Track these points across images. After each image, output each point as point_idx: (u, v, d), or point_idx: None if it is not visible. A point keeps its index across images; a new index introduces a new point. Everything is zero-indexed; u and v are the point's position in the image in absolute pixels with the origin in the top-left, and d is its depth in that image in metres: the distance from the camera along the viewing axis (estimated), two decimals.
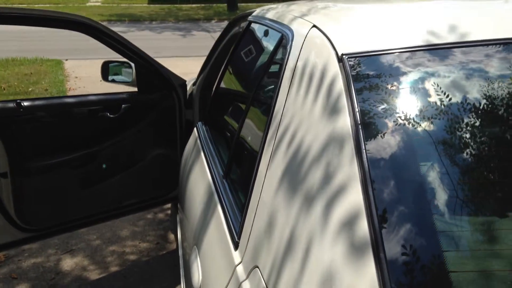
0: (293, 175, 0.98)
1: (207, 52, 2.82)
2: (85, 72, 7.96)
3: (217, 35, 2.71)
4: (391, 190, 0.81)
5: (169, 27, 14.64)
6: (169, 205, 3.51)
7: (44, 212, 2.38)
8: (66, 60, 9.03)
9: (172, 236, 3.22)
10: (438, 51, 1.02)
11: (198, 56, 3.12)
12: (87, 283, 2.72)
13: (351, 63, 1.00)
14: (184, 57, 8.99)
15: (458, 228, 0.78)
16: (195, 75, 2.96)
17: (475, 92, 0.94)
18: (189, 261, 1.43)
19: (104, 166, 2.47)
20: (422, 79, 0.97)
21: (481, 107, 0.92)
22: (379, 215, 0.76)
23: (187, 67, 5.73)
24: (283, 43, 1.34)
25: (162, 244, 3.14)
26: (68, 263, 2.90)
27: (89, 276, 2.79)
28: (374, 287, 0.70)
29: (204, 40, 11.41)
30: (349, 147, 0.85)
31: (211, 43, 2.80)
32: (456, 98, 0.93)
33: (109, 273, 2.82)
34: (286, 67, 1.22)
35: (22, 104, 2.19)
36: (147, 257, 3.00)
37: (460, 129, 0.89)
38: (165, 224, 3.39)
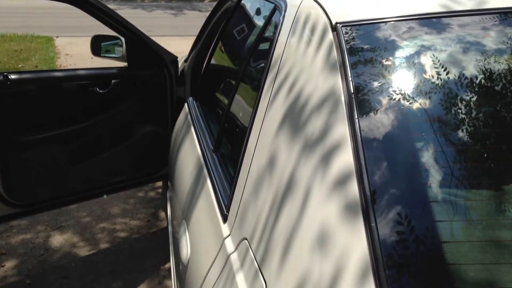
0: (281, 149, 0.96)
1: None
2: (76, 49, 7.84)
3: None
4: (382, 156, 0.79)
5: (161, 5, 14.43)
6: (160, 183, 3.49)
7: (33, 188, 2.35)
8: (57, 37, 8.89)
9: (163, 214, 3.21)
10: (438, 20, 0.99)
11: (191, 36, 3.06)
12: (76, 260, 2.71)
13: (346, 31, 0.98)
14: (177, 36, 8.88)
15: (449, 192, 0.77)
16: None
17: (474, 64, 0.92)
18: (178, 236, 1.42)
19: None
20: (420, 50, 0.95)
21: (482, 79, 0.90)
22: (370, 177, 0.75)
23: (180, 46, 5.66)
24: (276, 14, 1.31)
25: (152, 221, 3.13)
26: (57, 239, 2.89)
27: (79, 252, 2.77)
28: (364, 250, 0.68)
29: (196, 19, 11.26)
30: (343, 125, 0.83)
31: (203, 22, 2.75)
32: (454, 72, 0.91)
33: (99, 250, 2.81)
34: (279, 38, 1.19)
35: (9, 77, 2.15)
36: (137, 234, 2.99)
37: (455, 101, 0.87)
38: (156, 202, 3.38)
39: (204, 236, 1.18)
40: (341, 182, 0.78)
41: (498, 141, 0.84)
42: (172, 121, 2.56)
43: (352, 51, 0.95)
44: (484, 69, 0.92)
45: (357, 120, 0.82)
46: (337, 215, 0.74)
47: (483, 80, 0.90)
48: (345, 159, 0.79)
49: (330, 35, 0.99)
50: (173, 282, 1.67)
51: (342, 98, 0.86)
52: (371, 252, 0.68)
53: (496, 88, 0.90)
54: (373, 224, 0.70)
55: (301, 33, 1.10)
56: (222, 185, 1.24)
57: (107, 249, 2.82)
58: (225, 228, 1.09)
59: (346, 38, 0.96)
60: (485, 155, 0.83)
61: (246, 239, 0.96)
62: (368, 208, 0.72)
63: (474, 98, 0.88)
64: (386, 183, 0.76)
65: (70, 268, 2.63)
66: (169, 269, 2.67)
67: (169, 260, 2.72)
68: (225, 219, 1.11)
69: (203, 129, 1.68)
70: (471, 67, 0.91)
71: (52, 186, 2.40)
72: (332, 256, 0.71)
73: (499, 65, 0.92)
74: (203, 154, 1.50)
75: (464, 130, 0.84)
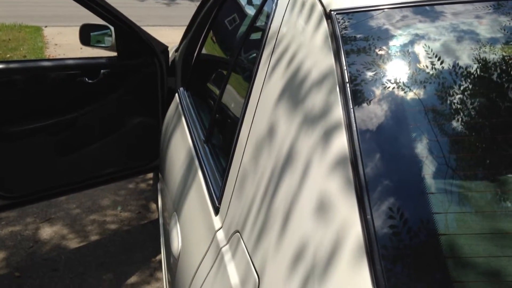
0: (273, 139, 0.94)
1: None
2: (65, 39, 7.74)
3: None
4: (379, 144, 0.78)
5: None
6: (151, 175, 3.46)
7: (21, 179, 2.31)
8: (45, 27, 8.76)
9: (154, 206, 3.18)
10: (435, 7, 0.97)
11: (183, 26, 3.01)
12: (66, 252, 2.68)
13: (340, 19, 0.96)
14: (168, 26, 8.80)
15: (442, 167, 0.77)
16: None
17: (473, 51, 0.90)
18: (169, 228, 1.40)
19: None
20: (416, 38, 0.93)
21: (481, 68, 0.88)
22: (364, 164, 0.74)
23: (172, 36, 5.60)
24: (268, 1, 1.28)
25: (143, 213, 3.11)
26: (47, 231, 2.85)
27: (69, 244, 2.74)
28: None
29: (188, 9, 11.16)
30: (338, 113, 0.81)
31: None
32: (452, 60, 0.89)
33: (89, 242, 2.78)
34: (272, 26, 1.16)
35: None
36: (128, 226, 2.96)
37: (453, 89, 0.86)
38: (147, 194, 3.35)
39: (196, 229, 1.16)
40: (335, 169, 0.76)
41: (496, 131, 0.83)
42: (163, 112, 2.53)
43: (347, 39, 0.93)
44: (483, 57, 0.90)
45: (352, 110, 0.81)
46: (330, 206, 0.73)
47: (482, 69, 0.88)
48: (340, 145, 0.77)
49: (324, 23, 0.96)
50: (164, 274, 1.65)
51: (337, 87, 0.84)
52: (366, 240, 0.67)
53: (495, 77, 0.88)
54: (368, 217, 0.69)
55: (294, 21, 1.07)
56: (214, 177, 1.22)
57: (97, 241, 2.79)
58: (216, 221, 1.07)
59: (340, 26, 0.94)
60: (484, 145, 0.82)
61: (238, 231, 0.95)
62: (363, 197, 0.71)
63: (472, 87, 0.86)
64: (381, 171, 0.75)
65: (60, 261, 2.60)
66: (161, 261, 2.65)
67: (160, 252, 2.70)
68: (216, 212, 1.09)
69: (194, 120, 1.65)
70: (470, 55, 0.90)
71: (41, 177, 2.36)
72: (324, 249, 0.70)
73: (501, 52, 0.90)
74: (194, 145, 1.48)
75: (462, 119, 0.82)
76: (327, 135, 0.81)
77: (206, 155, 1.35)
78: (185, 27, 2.67)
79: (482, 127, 0.82)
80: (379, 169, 0.75)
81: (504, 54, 0.90)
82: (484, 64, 0.89)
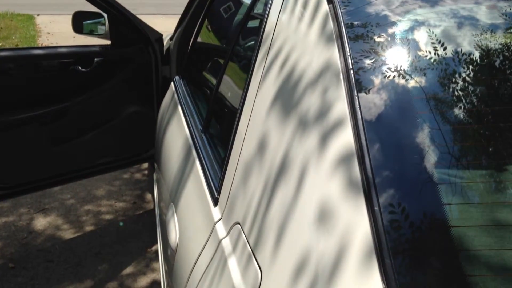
0: (275, 130, 0.91)
1: None
2: (57, 28, 7.64)
3: None
4: (385, 135, 0.74)
5: None
6: (146, 165, 3.43)
7: (14, 170, 2.27)
8: (38, 15, 8.65)
9: (149, 196, 3.16)
10: None
11: (177, 15, 2.97)
12: (61, 243, 2.65)
13: (343, 2, 0.92)
14: (162, 15, 8.70)
15: (456, 173, 0.73)
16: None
17: (484, 36, 0.87)
18: (166, 219, 1.37)
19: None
20: (424, 22, 0.90)
21: (493, 52, 0.85)
22: (371, 156, 0.70)
23: (165, 25, 5.53)
24: None
25: (139, 203, 3.08)
26: (41, 222, 2.82)
27: (63, 235, 2.72)
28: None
29: None
30: (342, 102, 0.78)
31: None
32: (463, 44, 0.86)
33: (84, 233, 2.75)
34: (270, 11, 1.13)
35: None
36: (123, 216, 2.93)
37: (464, 76, 0.83)
38: (142, 184, 3.32)
39: (194, 220, 1.14)
40: (340, 161, 0.73)
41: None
42: (158, 101, 2.49)
43: (350, 23, 0.89)
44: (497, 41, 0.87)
45: (356, 97, 0.77)
46: (337, 196, 0.70)
47: (495, 53, 0.85)
48: (345, 138, 0.74)
49: (325, 7, 0.93)
50: (161, 266, 1.63)
51: (340, 74, 0.81)
52: (373, 234, 0.64)
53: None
54: (376, 208, 0.66)
55: (293, 5, 1.04)
56: (212, 167, 1.19)
57: (92, 232, 2.77)
58: (216, 212, 1.04)
59: (343, 10, 0.91)
60: (496, 134, 0.78)
61: (238, 223, 0.92)
62: (370, 189, 0.68)
63: (483, 73, 0.83)
64: (388, 164, 0.71)
65: (55, 251, 2.57)
66: (156, 251, 2.63)
67: (156, 243, 2.68)
68: (215, 202, 1.06)
69: (190, 109, 1.62)
70: (480, 40, 0.86)
71: (34, 167, 2.33)
72: (333, 237, 0.67)
73: None
74: (191, 134, 1.45)
75: (472, 108, 0.79)
76: (330, 129, 0.78)
77: (203, 144, 1.33)
78: (178, 15, 2.63)
79: (501, 116, 0.79)
80: (388, 164, 0.71)
81: None
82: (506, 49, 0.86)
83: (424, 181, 0.71)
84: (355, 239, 0.65)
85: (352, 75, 0.80)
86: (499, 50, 0.86)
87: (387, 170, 0.71)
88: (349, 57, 0.82)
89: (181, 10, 2.62)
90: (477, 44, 0.86)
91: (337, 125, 0.77)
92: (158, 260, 2.57)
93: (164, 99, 2.17)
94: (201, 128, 1.43)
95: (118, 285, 2.37)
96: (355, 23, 0.90)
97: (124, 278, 2.42)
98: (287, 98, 0.91)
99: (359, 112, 0.75)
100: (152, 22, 3.33)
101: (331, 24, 0.89)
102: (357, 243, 0.64)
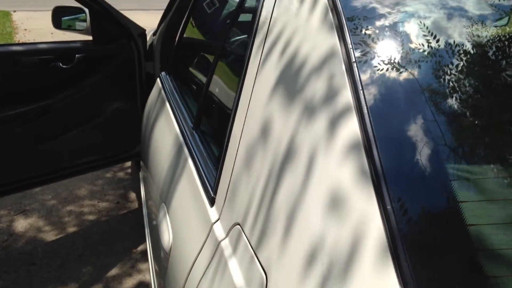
0: (274, 126, 0.87)
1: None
2: (35, 24, 7.46)
3: None
4: (392, 125, 0.71)
5: None
6: (129, 164, 3.36)
7: None
8: (14, 11, 8.43)
9: (133, 195, 3.09)
10: None
11: (159, 10, 2.90)
12: (43, 245, 2.57)
13: None
14: (143, 10, 8.57)
15: (463, 157, 0.71)
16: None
17: (492, 23, 0.85)
18: (156, 220, 1.32)
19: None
20: (427, 10, 0.87)
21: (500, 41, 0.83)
22: (379, 149, 0.67)
23: (147, 20, 5.43)
24: None
25: (122, 203, 3.01)
26: (22, 224, 2.73)
27: (45, 237, 2.63)
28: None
29: None
30: (346, 92, 0.75)
31: None
32: (471, 32, 0.83)
33: (66, 234, 2.67)
34: (264, 4, 1.09)
35: None
36: (106, 216, 2.86)
37: (472, 63, 0.80)
38: (126, 183, 3.25)
39: (189, 221, 1.09)
40: (347, 153, 0.70)
41: None
42: (142, 97, 2.43)
43: (350, 14, 0.86)
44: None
45: (362, 91, 0.74)
46: (349, 185, 0.67)
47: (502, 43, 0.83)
48: (351, 128, 0.71)
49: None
50: (151, 267, 1.58)
51: (343, 66, 0.78)
52: (386, 228, 0.60)
53: None
54: (389, 207, 0.63)
55: (285, 5, 1.00)
56: (206, 165, 1.14)
57: (75, 233, 2.69)
58: (213, 212, 1.00)
59: (342, 2, 0.87)
60: (507, 126, 0.75)
61: (238, 224, 0.88)
62: (380, 182, 0.64)
63: (491, 61, 0.81)
64: (399, 156, 0.68)
65: (37, 254, 2.49)
66: (142, 252, 2.57)
67: (142, 243, 2.62)
68: (212, 202, 1.02)
69: (179, 106, 1.57)
70: (489, 27, 0.84)
71: (14, 167, 2.24)
72: (345, 228, 0.63)
73: None
74: (181, 132, 1.40)
75: (488, 95, 0.76)
76: (336, 119, 0.74)
77: (195, 142, 1.28)
78: (160, 11, 2.57)
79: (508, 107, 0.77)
80: (397, 154, 0.69)
81: None
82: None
83: (431, 176, 0.68)
84: (369, 231, 0.62)
85: (356, 67, 0.76)
86: None
87: (396, 157, 0.68)
88: (351, 49, 0.79)
89: (163, 5, 2.56)
90: (481, 33, 0.84)
91: (343, 114, 0.74)
92: (144, 261, 2.51)
93: (150, 95, 2.11)
94: (191, 125, 1.38)
95: (103, 287, 2.31)
96: (356, 12, 0.87)
97: (109, 280, 2.36)
98: (289, 86, 0.87)
99: (363, 100, 0.72)
100: (134, 18, 3.25)
101: (329, 13, 0.85)
102: (371, 234, 0.61)
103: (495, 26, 0.86)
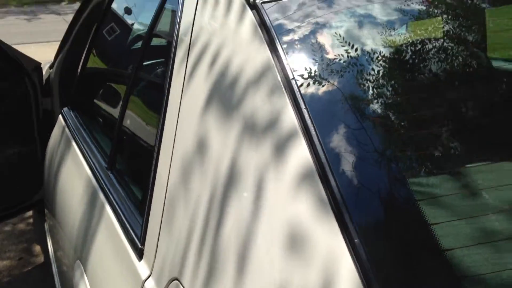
0: (208, 155, 0.76)
1: (59, 37, 2.42)
2: None
3: (69, 17, 2.37)
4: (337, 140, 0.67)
5: (12, 11, 13.08)
6: (30, 213, 3.02)
7: None
8: None
9: (37, 248, 2.77)
10: None
11: (51, 42, 2.70)
12: None
13: (268, 9, 0.82)
14: (33, 43, 8.06)
15: (427, 166, 0.70)
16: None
17: (434, 27, 0.85)
18: (72, 281, 1.12)
19: None
20: (359, 20, 0.84)
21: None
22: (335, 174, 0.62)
23: (38, 54, 5.09)
24: None
25: (26, 259, 2.68)
26: None
27: None
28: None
29: (55, 23, 10.38)
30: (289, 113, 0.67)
31: (64, 27, 2.42)
32: (407, 39, 0.83)
33: None
34: (181, 23, 0.99)
35: None
36: (8, 277, 2.52)
37: (415, 71, 0.81)
38: (28, 235, 2.91)
39: (114, 281, 0.93)
40: (300, 180, 0.63)
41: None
42: (41, 138, 2.19)
43: (282, 29, 0.80)
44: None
45: (306, 111, 0.67)
46: (304, 220, 0.60)
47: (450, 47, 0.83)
48: (300, 152, 0.64)
49: (249, 13, 0.82)
50: None
51: (281, 85, 0.70)
52: (355, 261, 0.55)
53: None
54: (356, 241, 0.56)
55: (211, 16, 0.91)
56: (128, 211, 0.99)
57: None
58: (142, 267, 0.85)
59: (270, 16, 0.81)
60: (454, 137, 0.74)
61: (176, 278, 0.74)
62: (341, 210, 0.59)
63: (433, 69, 0.80)
64: (356, 176, 0.64)
65: None
66: None
67: None
68: (140, 255, 0.87)
69: (88, 144, 1.39)
70: (425, 33, 0.86)
71: None
72: (312, 273, 0.56)
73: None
74: (94, 173, 1.22)
75: (439, 106, 0.76)
76: (280, 144, 0.66)
77: (112, 184, 1.11)
78: (52, 42, 2.39)
79: (461, 116, 0.75)
80: (356, 178, 0.63)
81: None
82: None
83: (396, 197, 0.66)
84: (339, 271, 0.55)
85: (295, 83, 0.71)
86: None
87: (356, 181, 0.64)
88: (288, 65, 0.72)
89: (56, 36, 2.37)
90: (431, 36, 0.85)
91: (289, 136, 0.67)
92: None
93: (52, 134, 1.89)
94: (105, 165, 1.21)
95: None
96: (287, 27, 0.81)
97: None
98: (224, 103, 0.78)
99: (310, 121, 0.67)
100: (25, 52, 3.01)
101: (258, 29, 0.78)
102: (342, 275, 0.54)
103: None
